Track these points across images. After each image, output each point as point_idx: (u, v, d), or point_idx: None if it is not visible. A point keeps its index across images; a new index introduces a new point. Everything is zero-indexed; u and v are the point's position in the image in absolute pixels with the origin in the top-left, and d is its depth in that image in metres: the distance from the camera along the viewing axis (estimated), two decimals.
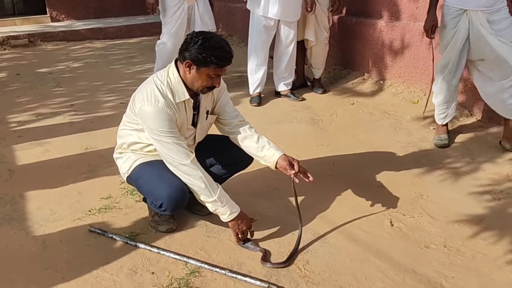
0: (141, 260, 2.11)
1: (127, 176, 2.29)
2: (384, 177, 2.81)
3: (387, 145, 3.28)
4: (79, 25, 8.17)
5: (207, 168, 2.35)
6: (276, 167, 2.25)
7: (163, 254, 2.13)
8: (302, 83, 4.68)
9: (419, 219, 2.38)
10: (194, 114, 2.21)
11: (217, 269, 2.02)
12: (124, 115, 2.31)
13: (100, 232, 2.30)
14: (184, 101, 2.12)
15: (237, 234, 2.15)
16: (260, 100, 4.30)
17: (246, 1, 4.14)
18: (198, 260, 2.08)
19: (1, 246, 2.23)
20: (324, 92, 4.44)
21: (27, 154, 3.28)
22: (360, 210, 2.48)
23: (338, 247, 2.18)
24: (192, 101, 2.16)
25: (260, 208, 2.53)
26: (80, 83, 5.12)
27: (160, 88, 2.07)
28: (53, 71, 5.71)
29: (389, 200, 2.55)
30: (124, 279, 2.00)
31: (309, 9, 4.09)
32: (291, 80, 4.38)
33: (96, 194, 2.68)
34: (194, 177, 2.07)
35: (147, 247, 2.17)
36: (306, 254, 2.14)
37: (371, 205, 2.52)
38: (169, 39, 4.32)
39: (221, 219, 2.15)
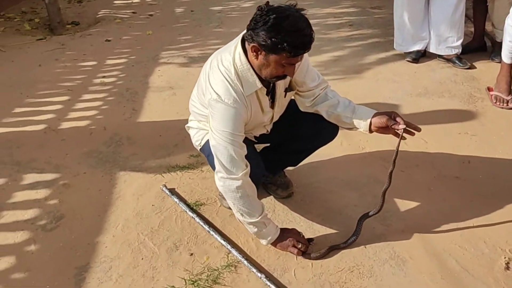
0: (188, 235, 1.99)
1: (200, 148, 2.09)
2: None
3: None
4: None
5: (282, 145, 2.07)
6: (371, 130, 1.81)
7: (212, 235, 1.96)
8: (480, 46, 3.75)
9: None
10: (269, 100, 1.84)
11: (255, 270, 1.76)
12: (196, 87, 2.01)
13: (168, 193, 2.24)
14: (256, 91, 1.74)
15: (293, 250, 1.85)
16: (417, 56, 3.64)
17: None
18: (241, 253, 1.85)
19: (83, 187, 2.35)
20: None
21: (157, 95, 3.37)
22: (472, 235, 1.87)
23: (419, 284, 1.68)
24: (266, 89, 1.77)
25: (346, 203, 2.13)
26: (240, 25, 5.06)
27: (228, 79, 1.68)
28: (223, 10, 5.78)
29: None
30: (163, 253, 1.90)
31: None
32: (459, 43, 3.53)
33: (189, 150, 2.60)
34: (241, 193, 1.72)
35: (201, 223, 2.02)
36: None
37: (489, 233, 1.88)
38: None
39: (262, 242, 1.86)
